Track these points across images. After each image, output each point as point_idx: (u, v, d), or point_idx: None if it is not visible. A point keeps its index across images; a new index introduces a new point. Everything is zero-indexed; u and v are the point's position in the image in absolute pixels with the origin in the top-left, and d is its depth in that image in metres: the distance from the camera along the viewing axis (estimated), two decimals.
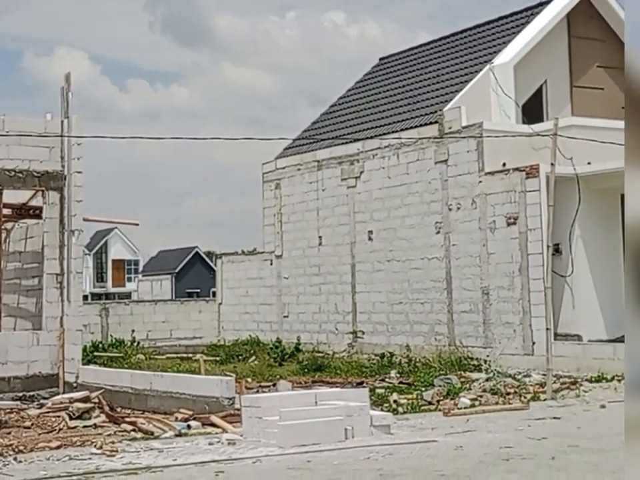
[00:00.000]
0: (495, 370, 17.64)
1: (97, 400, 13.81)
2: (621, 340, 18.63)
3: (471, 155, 20.36)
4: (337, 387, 15.23)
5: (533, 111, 22.21)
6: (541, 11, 22.69)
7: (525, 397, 14.40)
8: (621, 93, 23.05)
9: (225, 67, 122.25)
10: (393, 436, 11.20)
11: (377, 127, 23.65)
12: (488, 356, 19.28)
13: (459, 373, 17.45)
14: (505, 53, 21.81)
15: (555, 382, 15.36)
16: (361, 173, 23.38)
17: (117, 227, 75.44)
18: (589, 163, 19.30)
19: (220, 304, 27.99)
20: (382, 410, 12.91)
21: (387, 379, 17.13)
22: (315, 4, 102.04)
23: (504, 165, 19.96)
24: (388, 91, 25.58)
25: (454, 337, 20.45)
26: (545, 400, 14.30)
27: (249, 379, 17.75)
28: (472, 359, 19.26)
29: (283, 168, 26.11)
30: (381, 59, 28.69)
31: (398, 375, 17.63)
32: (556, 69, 22.68)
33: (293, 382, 16.98)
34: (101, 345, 24.48)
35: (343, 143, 23.77)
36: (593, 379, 16.04)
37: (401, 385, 16.28)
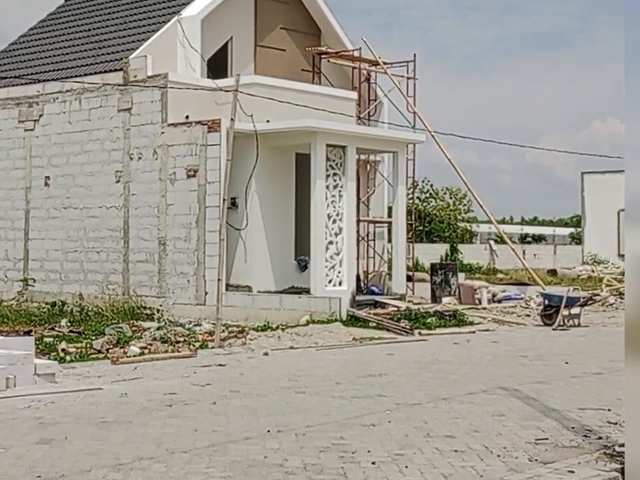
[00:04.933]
0: (167, 319, 17.86)
1: None
2: (287, 291, 19.59)
3: (155, 105, 20.26)
4: (2, 335, 14.68)
5: (218, 66, 22.44)
6: None
7: (193, 345, 14.74)
8: (301, 55, 24.02)
9: None
10: (58, 384, 11.04)
11: (59, 69, 22.76)
12: (161, 305, 19.46)
13: (131, 322, 17.45)
14: (193, 6, 21.80)
15: (223, 331, 15.84)
16: (40, 116, 22.48)
17: None
18: (267, 121, 19.92)
19: None
20: (49, 359, 12.66)
21: (56, 328, 16.76)
22: None
23: (187, 117, 20.09)
24: (73, 33, 24.66)
25: (129, 287, 20.40)
26: (212, 348, 14.72)
27: None
28: (145, 308, 19.36)
29: None
30: (66, 0, 27.59)
31: (69, 324, 17.31)
32: (242, 26, 23.05)
33: None
34: None
35: (21, 84, 22.68)
36: (260, 328, 16.63)
37: (71, 334, 16.01)
